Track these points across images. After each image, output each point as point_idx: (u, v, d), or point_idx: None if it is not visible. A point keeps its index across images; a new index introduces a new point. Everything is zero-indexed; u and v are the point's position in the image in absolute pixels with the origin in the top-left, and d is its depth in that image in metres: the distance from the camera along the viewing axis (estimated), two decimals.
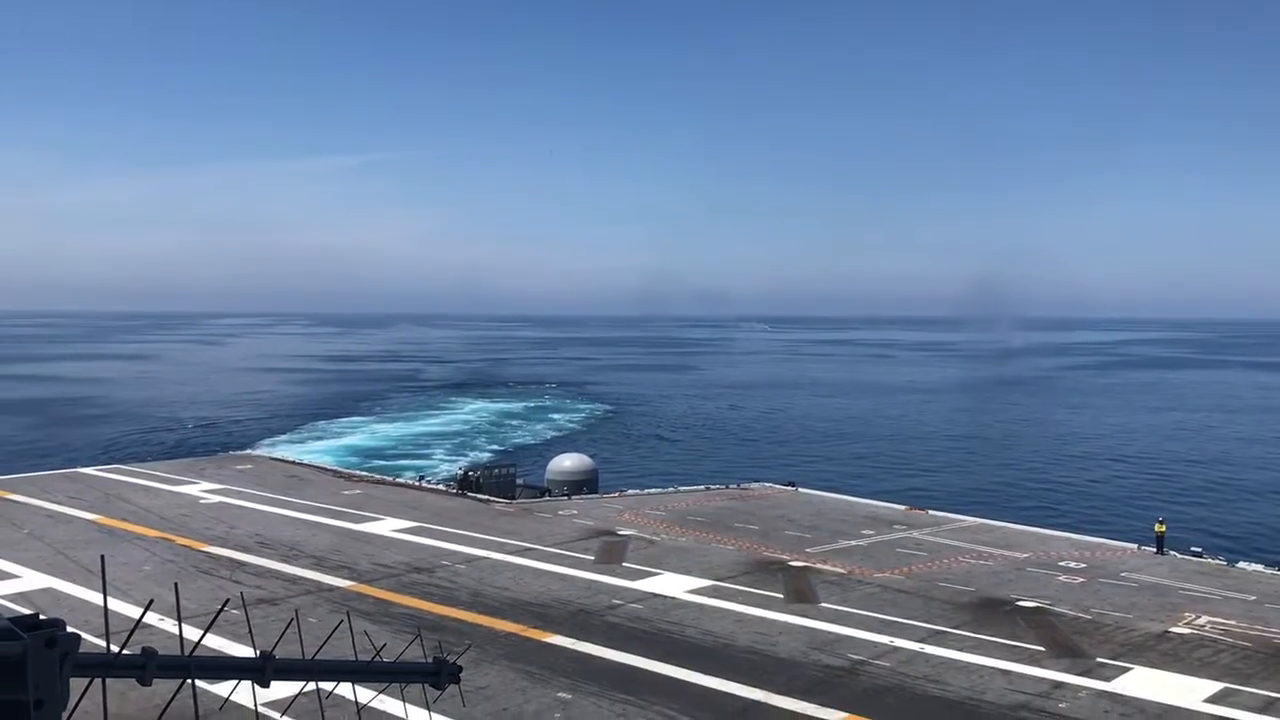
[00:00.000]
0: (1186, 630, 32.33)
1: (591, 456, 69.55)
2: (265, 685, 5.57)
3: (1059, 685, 27.10)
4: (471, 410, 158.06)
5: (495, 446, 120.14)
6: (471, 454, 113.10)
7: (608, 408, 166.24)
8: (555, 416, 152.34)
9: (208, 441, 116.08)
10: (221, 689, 19.43)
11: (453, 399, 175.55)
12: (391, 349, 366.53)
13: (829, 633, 31.37)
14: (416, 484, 61.22)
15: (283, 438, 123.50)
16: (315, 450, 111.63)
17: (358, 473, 66.01)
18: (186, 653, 5.24)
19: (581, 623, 32.03)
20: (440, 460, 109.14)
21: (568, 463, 65.01)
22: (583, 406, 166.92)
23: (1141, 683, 27.34)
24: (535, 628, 31.36)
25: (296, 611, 15.84)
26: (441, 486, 61.07)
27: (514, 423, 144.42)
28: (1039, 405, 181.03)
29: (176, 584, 10.95)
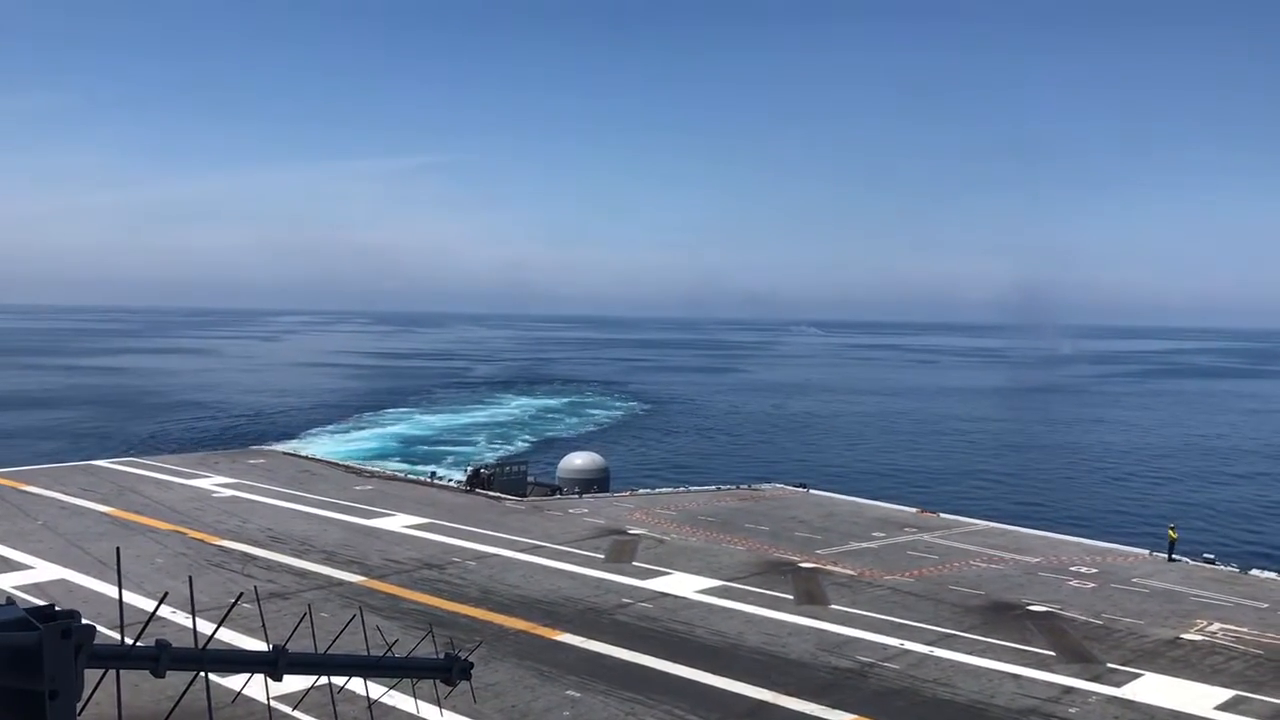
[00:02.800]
0: (1198, 637, 32.19)
1: (603, 455, 69.64)
2: (278, 679, 5.60)
3: (1069, 690, 27.02)
4: (516, 405, 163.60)
5: (530, 438, 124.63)
6: (515, 444, 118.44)
7: (646, 406, 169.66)
8: (594, 413, 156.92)
9: (254, 429, 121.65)
10: (234, 682, 19.54)
11: (497, 395, 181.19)
12: (444, 347, 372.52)
13: (838, 634, 31.33)
14: (428, 480, 61.41)
15: (329, 428, 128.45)
16: (360, 438, 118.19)
17: (369, 468, 66.20)
18: (200, 646, 5.27)
19: (591, 621, 32.08)
20: (482, 449, 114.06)
21: (579, 461, 65.05)
22: (620, 405, 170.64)
23: (1152, 689, 27.23)
24: (545, 625, 31.41)
25: (309, 606, 15.89)
26: (452, 483, 61.25)
27: (553, 416, 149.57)
28: (1067, 411, 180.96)
29: (190, 577, 10.98)
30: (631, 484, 67.25)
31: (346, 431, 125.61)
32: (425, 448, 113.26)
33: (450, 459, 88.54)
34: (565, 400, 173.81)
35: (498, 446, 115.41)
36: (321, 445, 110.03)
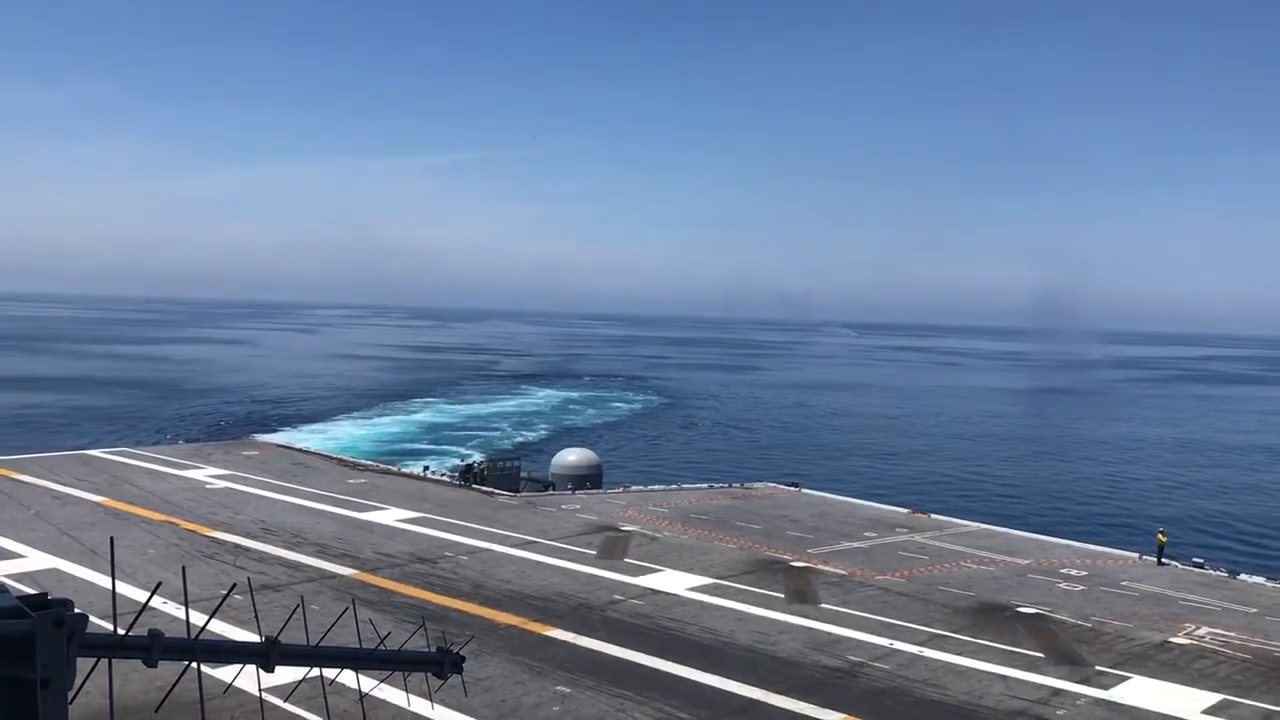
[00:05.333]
0: (1186, 641, 32.31)
1: (598, 451, 69.73)
2: (270, 670, 5.63)
3: (1057, 692, 27.12)
4: (541, 397, 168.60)
5: (548, 426, 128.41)
6: (539, 431, 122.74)
7: (665, 401, 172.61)
8: (615, 406, 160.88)
9: (278, 415, 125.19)
10: (225, 673, 19.54)
11: (523, 387, 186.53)
12: (477, 342, 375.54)
13: (828, 634, 31.41)
14: (421, 475, 61.41)
15: (354, 414, 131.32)
16: (383, 424, 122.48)
17: (363, 461, 66.19)
18: (192, 636, 5.30)
19: (582, 617, 32.13)
20: (503, 436, 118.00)
21: (572, 457, 65.09)
22: (639, 399, 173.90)
23: (1140, 692, 27.34)
24: (536, 621, 31.46)
25: (302, 598, 15.92)
26: (445, 477, 61.27)
27: (575, 408, 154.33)
28: (1074, 414, 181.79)
29: (184, 568, 11.01)
30: (624, 481, 67.27)
31: (370, 419, 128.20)
32: (450, 433, 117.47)
33: (474, 441, 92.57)
34: (588, 393, 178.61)
35: (521, 432, 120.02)
36: (344, 430, 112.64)
